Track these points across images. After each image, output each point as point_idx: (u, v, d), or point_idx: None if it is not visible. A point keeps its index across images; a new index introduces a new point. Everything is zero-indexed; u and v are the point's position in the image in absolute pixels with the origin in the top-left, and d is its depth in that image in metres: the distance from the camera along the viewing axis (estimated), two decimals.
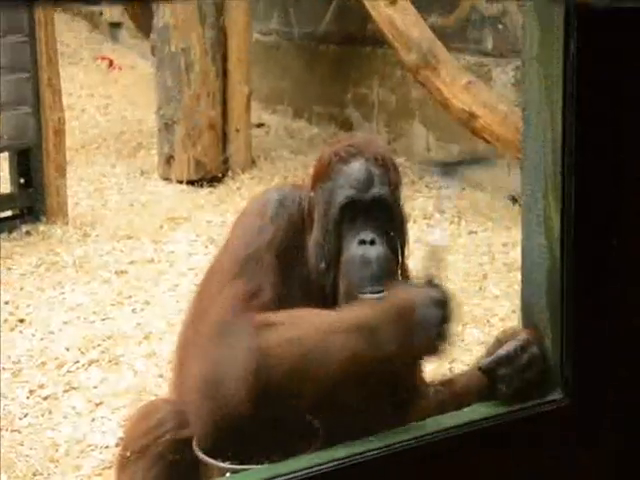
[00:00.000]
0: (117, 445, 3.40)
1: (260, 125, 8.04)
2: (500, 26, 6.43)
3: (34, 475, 3.30)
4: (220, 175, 6.87)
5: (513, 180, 6.04)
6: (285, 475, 1.70)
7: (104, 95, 9.34)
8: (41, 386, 3.92)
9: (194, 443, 2.18)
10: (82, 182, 6.81)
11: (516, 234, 5.07)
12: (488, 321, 4.44)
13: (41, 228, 5.74)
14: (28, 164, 5.87)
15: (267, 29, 8.62)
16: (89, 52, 10.98)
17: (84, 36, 11.51)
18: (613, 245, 1.79)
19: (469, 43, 6.63)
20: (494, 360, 1.99)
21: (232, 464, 2.12)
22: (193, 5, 6.77)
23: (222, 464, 2.13)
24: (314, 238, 2.22)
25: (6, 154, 6.04)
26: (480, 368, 2.02)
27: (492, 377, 1.98)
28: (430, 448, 1.78)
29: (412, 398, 2.29)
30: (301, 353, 1.99)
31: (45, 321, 4.55)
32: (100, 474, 3.31)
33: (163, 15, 6.84)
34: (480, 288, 4.84)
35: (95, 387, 3.90)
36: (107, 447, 3.46)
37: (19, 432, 3.58)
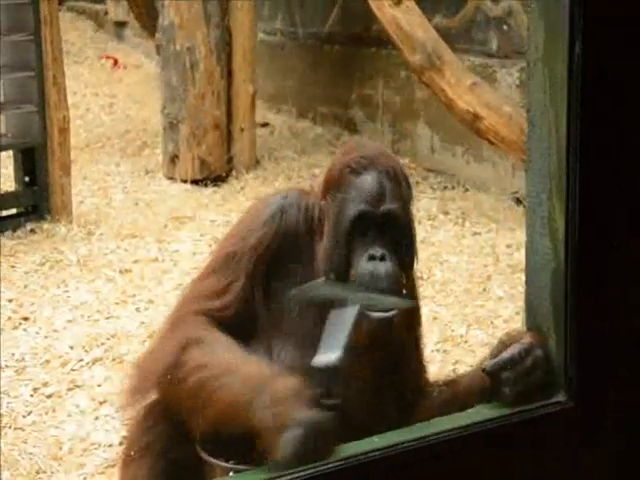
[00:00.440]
0: (121, 444, 3.40)
1: (265, 125, 8.05)
2: (505, 27, 6.43)
3: (37, 473, 3.31)
4: (224, 174, 6.88)
5: (517, 181, 6.04)
6: (287, 476, 1.70)
7: (109, 94, 9.36)
8: (45, 384, 3.92)
9: (197, 443, 2.19)
10: (86, 181, 6.83)
11: (520, 235, 5.07)
12: (492, 322, 4.44)
13: (45, 226, 5.75)
14: (33, 162, 5.88)
15: (272, 29, 8.63)
16: (94, 51, 11.00)
17: (89, 35, 11.54)
18: (617, 247, 1.79)
19: (474, 44, 6.63)
20: (498, 363, 1.98)
21: (235, 464, 2.12)
22: (198, 4, 6.78)
23: (225, 464, 2.14)
24: (324, 248, 2.20)
25: (11, 152, 6.05)
26: (484, 370, 2.02)
27: (496, 380, 1.97)
28: (433, 449, 1.78)
29: (416, 399, 2.29)
30: (200, 382, 2.04)
31: (49, 319, 4.56)
32: (103, 472, 3.31)
33: (168, 14, 6.85)
34: (484, 289, 4.84)
35: (99, 385, 3.91)
36: (111, 446, 3.46)
37: (23, 430, 3.59)
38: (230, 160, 6.96)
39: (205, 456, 2.16)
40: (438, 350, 4.12)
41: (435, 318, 4.48)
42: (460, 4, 6.71)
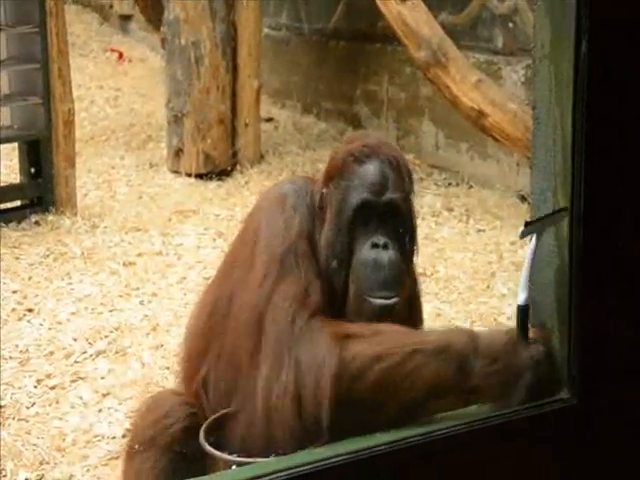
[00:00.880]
0: (124, 436, 3.42)
1: (269, 120, 8.05)
2: (510, 24, 6.42)
3: (41, 464, 3.32)
4: (229, 169, 6.89)
5: (522, 178, 6.05)
6: (291, 469, 1.70)
7: (114, 87, 9.37)
8: (48, 376, 3.93)
9: (201, 436, 2.19)
10: (91, 173, 6.84)
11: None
12: (495, 320, 4.44)
13: (50, 218, 5.76)
14: (38, 154, 5.89)
15: (277, 24, 8.63)
16: (99, 44, 11.01)
17: (94, 28, 11.54)
18: (621, 244, 1.80)
19: (479, 41, 6.63)
20: None
21: (238, 457, 2.13)
22: None
23: (228, 456, 2.14)
24: (326, 236, 2.22)
25: (16, 144, 6.06)
26: None
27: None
28: (437, 445, 1.79)
29: None
30: (385, 370, 1.96)
31: (53, 311, 4.57)
32: (107, 464, 3.32)
33: (173, 8, 6.85)
34: (488, 286, 4.85)
35: (102, 378, 3.92)
36: (114, 438, 3.47)
37: (26, 421, 3.60)
38: (234, 154, 6.96)
39: (208, 449, 2.17)
40: None
41: (438, 315, 4.49)
42: (466, 1, 6.71)
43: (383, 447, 1.75)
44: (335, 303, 2.19)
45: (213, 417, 2.25)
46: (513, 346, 1.93)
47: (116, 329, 4.36)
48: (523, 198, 5.92)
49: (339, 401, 1.97)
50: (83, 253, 5.30)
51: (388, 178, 2.20)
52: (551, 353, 1.90)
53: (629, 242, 1.80)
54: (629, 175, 1.80)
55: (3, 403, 3.70)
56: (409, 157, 6.54)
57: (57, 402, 3.74)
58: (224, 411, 2.25)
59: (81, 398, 3.77)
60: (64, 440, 3.47)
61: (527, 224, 1.88)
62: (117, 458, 3.29)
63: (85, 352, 4.14)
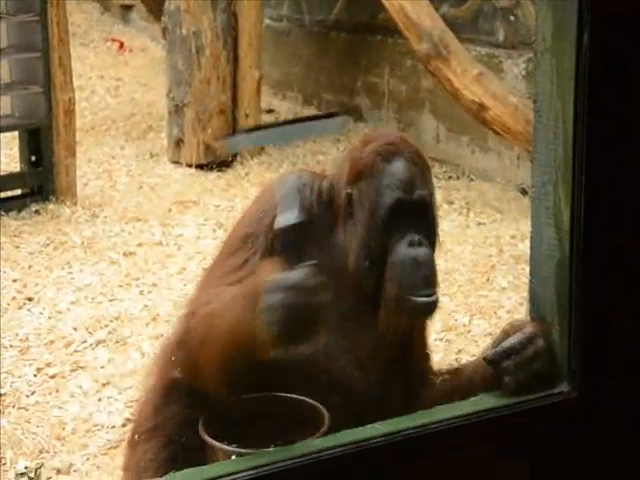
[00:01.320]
0: (123, 425, 3.43)
1: (270, 111, 8.05)
2: (512, 17, 6.42)
3: (40, 452, 3.33)
4: (229, 160, 6.88)
5: (522, 172, 6.05)
6: (290, 460, 1.71)
7: (114, 77, 9.36)
8: (48, 364, 3.95)
9: (200, 425, 2.20)
10: (91, 163, 6.84)
11: (524, 226, 5.07)
12: (495, 313, 4.45)
13: (50, 207, 5.77)
14: (38, 143, 5.90)
15: (278, 15, 8.62)
16: (100, 34, 11.00)
17: (95, 18, 11.52)
18: (622, 238, 1.80)
19: (480, 34, 6.62)
20: (498, 352, 1.99)
21: (238, 447, 2.14)
22: None
23: (228, 447, 2.14)
24: (357, 236, 2.22)
25: (16, 133, 6.06)
26: (485, 358, 2.03)
27: (497, 369, 1.99)
28: (435, 437, 1.79)
29: (419, 387, 2.30)
30: (216, 323, 2.02)
31: (53, 300, 4.58)
32: (106, 453, 3.33)
33: None
34: (488, 280, 4.85)
35: (102, 367, 3.93)
36: (113, 427, 3.48)
37: (26, 409, 3.61)
38: None
39: (207, 439, 2.17)
40: (441, 339, 4.14)
41: (439, 307, 4.49)
42: None
43: (381, 439, 1.75)
44: (364, 302, 2.19)
45: (213, 406, 2.25)
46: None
47: (116, 319, 4.36)
48: (524, 191, 5.93)
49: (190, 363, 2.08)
50: (83, 242, 5.31)
51: (416, 175, 2.22)
52: (550, 346, 1.90)
53: (630, 235, 1.81)
54: (630, 168, 1.80)
55: (3, 391, 3.71)
56: None
57: (57, 391, 3.75)
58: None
59: (81, 387, 3.78)
60: (64, 429, 3.48)
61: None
62: (117, 447, 3.31)
63: (85, 341, 4.15)
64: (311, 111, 8.15)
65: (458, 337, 4.21)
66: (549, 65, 1.83)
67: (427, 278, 2.16)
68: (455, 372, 2.35)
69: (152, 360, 2.32)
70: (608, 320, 1.81)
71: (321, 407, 2.17)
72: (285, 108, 8.27)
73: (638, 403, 1.86)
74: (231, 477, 1.63)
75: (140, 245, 5.32)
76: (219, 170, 6.75)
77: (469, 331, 4.27)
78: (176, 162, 6.89)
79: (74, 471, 3.25)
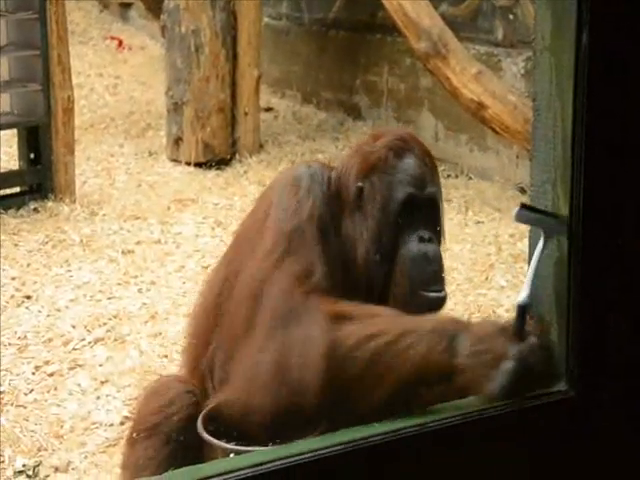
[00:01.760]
0: (122, 423, 3.43)
1: (269, 109, 8.05)
2: (511, 16, 6.42)
3: (39, 450, 3.33)
4: (228, 158, 6.89)
5: (521, 170, 6.05)
6: (289, 458, 1.71)
7: (113, 75, 9.35)
8: (47, 362, 3.94)
9: (199, 423, 2.20)
10: (90, 161, 6.83)
11: (523, 225, 5.07)
12: (494, 311, 4.45)
13: (49, 205, 5.77)
14: (37, 141, 5.90)
15: (277, 13, 8.62)
16: (99, 32, 10.99)
17: (94, 16, 11.51)
18: (621, 237, 1.80)
19: (479, 33, 6.62)
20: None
21: (236, 445, 2.14)
22: None
23: (226, 445, 2.15)
24: (368, 230, 2.21)
25: (15, 131, 6.06)
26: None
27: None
28: (433, 436, 1.79)
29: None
30: (376, 349, 1.94)
31: (51, 298, 4.58)
32: (104, 451, 3.33)
33: None
34: (486, 278, 4.85)
35: (100, 365, 3.93)
36: (112, 425, 3.48)
37: (24, 407, 3.61)
38: (234, 144, 6.96)
39: (206, 436, 2.18)
40: None
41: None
42: None
43: (379, 437, 1.75)
44: (372, 296, 2.20)
45: (212, 404, 2.25)
46: (504, 334, 1.90)
47: (114, 317, 4.36)
48: (522, 190, 5.92)
49: (328, 381, 1.95)
50: (82, 240, 5.31)
51: (427, 172, 2.24)
52: (546, 348, 1.90)
53: (629, 235, 1.81)
54: (630, 167, 1.80)
55: (1, 389, 3.71)
56: None
57: (55, 389, 3.75)
58: (222, 398, 2.26)
59: (79, 385, 3.78)
60: (62, 427, 3.48)
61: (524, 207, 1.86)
62: (115, 445, 3.31)
63: (83, 339, 4.15)
64: (310, 110, 8.14)
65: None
66: (548, 64, 1.83)
67: (437, 274, 2.18)
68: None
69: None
70: (606, 320, 1.81)
71: (320, 404, 2.17)
72: (284, 106, 8.27)
73: (636, 402, 1.87)
74: (230, 475, 1.63)
75: (139, 243, 5.32)
76: (218, 168, 6.75)
77: None
78: (175, 160, 6.89)
79: (72, 469, 3.25)
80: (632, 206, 1.81)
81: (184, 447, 2.24)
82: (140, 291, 4.70)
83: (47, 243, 5.28)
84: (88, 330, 4.23)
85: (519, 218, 1.86)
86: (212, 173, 6.67)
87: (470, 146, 6.68)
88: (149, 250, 5.22)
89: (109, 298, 4.60)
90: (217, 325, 2.31)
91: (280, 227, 2.22)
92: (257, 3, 7.10)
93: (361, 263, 2.20)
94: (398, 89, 7.39)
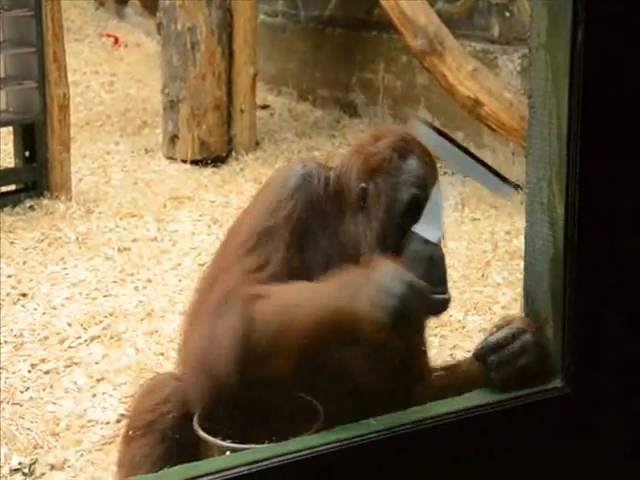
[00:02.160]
0: (118, 421, 3.43)
1: (265, 107, 8.04)
2: (507, 13, 6.42)
3: (35, 448, 3.33)
4: (224, 155, 6.88)
5: (517, 168, 6.05)
6: (285, 455, 1.71)
7: (109, 72, 9.33)
8: (43, 360, 3.94)
9: (194, 421, 2.20)
10: (86, 159, 6.82)
11: (519, 222, 5.07)
12: (490, 308, 4.45)
13: (44, 203, 5.76)
14: (33, 138, 5.88)
15: (273, 11, 8.61)
16: (95, 29, 10.96)
17: (90, 13, 11.48)
18: (616, 234, 1.81)
19: (475, 30, 6.62)
20: (484, 347, 2.00)
21: (232, 443, 2.14)
22: None
23: (222, 442, 2.15)
24: (373, 231, 2.22)
25: (11, 128, 6.05)
26: (474, 354, 2.04)
27: (484, 363, 1.99)
28: (429, 433, 1.79)
29: (416, 382, 2.31)
30: (285, 318, 2.02)
31: (47, 296, 4.57)
32: (100, 449, 3.33)
33: None
34: (482, 275, 4.85)
35: (96, 363, 3.93)
36: (108, 423, 3.48)
37: (20, 405, 3.60)
38: (230, 141, 6.95)
39: (202, 434, 2.17)
40: (436, 335, 4.14)
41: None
42: None
43: (375, 435, 1.76)
44: None
45: (207, 402, 2.25)
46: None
47: (110, 314, 4.36)
48: (518, 187, 5.91)
49: (246, 356, 2.03)
50: (78, 238, 5.30)
51: (428, 172, 2.24)
52: (539, 343, 1.90)
53: (624, 232, 1.81)
54: (625, 165, 1.80)
55: None
56: None
57: (51, 387, 3.75)
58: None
59: (75, 383, 3.77)
60: (58, 425, 3.48)
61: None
62: (111, 443, 3.31)
63: (79, 337, 4.14)
64: (306, 107, 8.14)
65: (452, 333, 4.21)
66: (544, 61, 1.83)
67: (442, 275, 2.17)
68: (450, 368, 2.36)
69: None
70: (602, 317, 1.82)
71: (316, 402, 2.17)
72: (280, 104, 8.26)
73: (631, 399, 1.87)
74: (226, 473, 1.63)
75: (135, 241, 5.32)
76: (214, 166, 6.74)
77: (464, 327, 4.27)
78: (171, 158, 6.88)
79: (68, 467, 3.25)
80: (627, 203, 1.81)
81: (180, 445, 2.23)
82: (136, 289, 4.70)
83: (43, 241, 5.27)
84: (84, 328, 4.22)
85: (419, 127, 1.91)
86: (208, 171, 6.67)
87: (466, 143, 6.66)
88: (145, 248, 5.22)
89: (105, 296, 4.59)
90: None
91: (254, 225, 2.25)
92: (253, 1, 7.08)
93: (364, 264, 2.20)
94: (394, 86, 7.39)
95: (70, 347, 4.06)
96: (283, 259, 2.18)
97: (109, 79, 9.12)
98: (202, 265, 4.75)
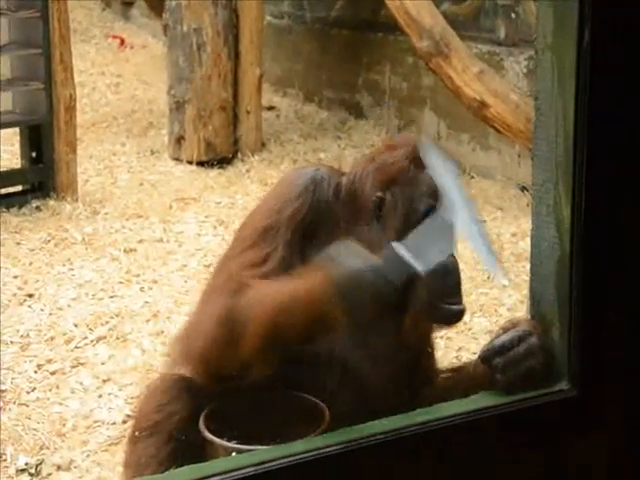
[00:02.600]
0: (124, 422, 3.43)
1: (271, 108, 8.04)
2: (513, 15, 6.42)
3: (41, 449, 3.33)
4: (230, 156, 6.88)
5: (523, 169, 6.05)
6: (291, 456, 1.71)
7: (115, 74, 9.35)
8: (49, 361, 3.94)
9: (200, 422, 2.20)
10: (92, 160, 6.83)
11: (525, 224, 5.07)
12: (496, 310, 4.44)
13: (51, 203, 5.77)
14: (39, 139, 5.90)
15: (279, 12, 8.61)
16: (101, 30, 10.99)
17: (96, 14, 11.51)
18: (622, 236, 1.81)
19: (481, 32, 6.62)
20: (489, 349, 2.01)
21: (238, 444, 2.14)
22: None
23: (228, 443, 2.15)
24: (389, 239, 2.21)
25: (17, 129, 6.06)
26: (480, 357, 2.04)
27: (489, 366, 1.99)
28: (436, 434, 1.79)
29: (423, 384, 2.31)
30: (258, 303, 2.04)
31: (54, 297, 4.58)
32: (107, 450, 3.33)
33: None
34: (488, 277, 4.85)
35: (103, 364, 3.93)
36: (114, 424, 3.48)
37: (26, 406, 3.61)
38: (236, 142, 6.96)
39: (208, 435, 2.18)
40: (442, 337, 4.13)
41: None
42: None
43: (381, 436, 1.76)
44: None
45: (214, 403, 2.25)
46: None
47: (117, 315, 4.36)
48: (524, 189, 5.92)
49: (228, 344, 2.06)
50: (84, 239, 5.31)
51: None
52: (544, 345, 1.90)
53: (630, 234, 1.81)
54: (631, 166, 1.80)
55: (3, 388, 3.71)
56: None
57: (57, 387, 3.75)
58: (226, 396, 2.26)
59: (81, 384, 3.78)
60: (64, 425, 3.48)
61: None
62: (117, 444, 3.31)
63: (85, 338, 4.15)
64: (312, 108, 8.14)
65: (459, 335, 4.20)
66: (550, 63, 1.83)
67: (457, 286, 2.18)
68: (456, 370, 2.36)
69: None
70: (608, 319, 1.81)
71: (322, 404, 2.17)
72: (286, 105, 8.27)
73: (637, 401, 1.87)
74: (232, 474, 1.64)
75: (141, 242, 5.32)
76: (220, 167, 6.75)
77: (470, 329, 4.27)
78: (177, 159, 6.89)
79: (74, 467, 3.25)
80: (634, 205, 1.81)
81: (186, 446, 2.24)
82: (142, 290, 4.70)
83: (49, 242, 5.28)
84: (90, 329, 4.23)
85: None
86: (214, 172, 6.67)
87: (472, 145, 6.68)
88: (151, 249, 5.22)
89: (111, 297, 4.60)
90: None
91: (258, 222, 2.27)
92: (259, 2, 7.09)
93: None
94: (400, 88, 7.39)
95: (76, 348, 4.07)
96: (282, 257, 2.20)
97: (115, 80, 9.13)
98: (208, 266, 4.75)
